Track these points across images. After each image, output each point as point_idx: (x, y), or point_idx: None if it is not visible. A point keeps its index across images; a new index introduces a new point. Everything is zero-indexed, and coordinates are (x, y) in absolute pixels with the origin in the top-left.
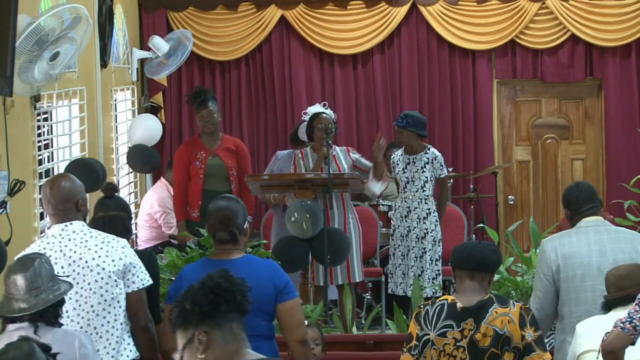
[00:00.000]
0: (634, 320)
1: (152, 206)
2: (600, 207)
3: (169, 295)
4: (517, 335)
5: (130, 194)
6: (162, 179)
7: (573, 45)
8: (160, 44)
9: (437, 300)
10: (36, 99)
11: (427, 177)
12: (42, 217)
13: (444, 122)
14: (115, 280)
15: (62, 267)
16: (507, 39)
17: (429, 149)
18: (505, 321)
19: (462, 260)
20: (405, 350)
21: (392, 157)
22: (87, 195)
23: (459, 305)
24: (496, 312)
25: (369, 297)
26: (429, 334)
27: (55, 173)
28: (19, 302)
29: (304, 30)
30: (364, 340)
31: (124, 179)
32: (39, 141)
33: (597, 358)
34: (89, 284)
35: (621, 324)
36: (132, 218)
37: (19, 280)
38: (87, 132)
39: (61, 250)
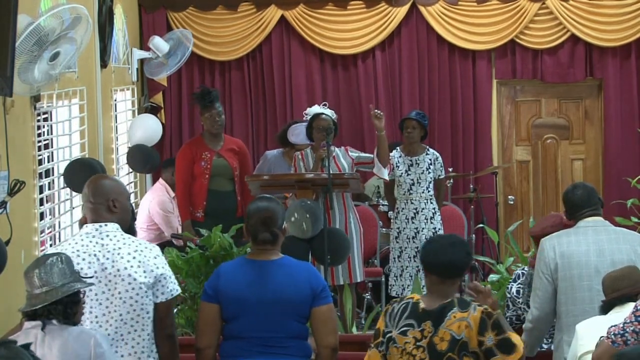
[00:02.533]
0: (626, 334)
1: (151, 209)
2: (601, 208)
3: (205, 292)
4: (473, 341)
5: (130, 194)
6: (160, 180)
7: (573, 45)
8: (160, 44)
9: (405, 298)
10: (36, 99)
11: (431, 178)
12: (42, 217)
13: (444, 122)
14: (146, 292)
15: (95, 272)
16: (507, 39)
17: (428, 149)
18: (463, 326)
19: (438, 267)
20: (372, 346)
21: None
22: None
23: (421, 305)
24: (454, 317)
25: (369, 297)
26: (391, 331)
27: (55, 173)
28: (31, 299)
29: (304, 30)
30: (364, 340)
31: (124, 179)
32: (39, 141)
33: None
34: (119, 292)
35: (613, 336)
36: (135, 219)
37: (30, 277)
38: (87, 132)
39: (95, 255)
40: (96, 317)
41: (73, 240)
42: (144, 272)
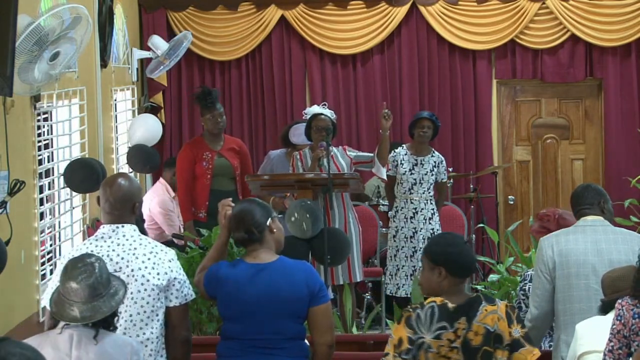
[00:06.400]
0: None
1: (152, 209)
2: (599, 208)
3: (204, 285)
4: (506, 333)
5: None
6: (161, 179)
7: (573, 45)
8: (159, 43)
9: (426, 303)
10: (36, 99)
11: (434, 180)
12: (42, 217)
13: (444, 122)
14: (158, 294)
15: None
16: (507, 39)
17: (434, 152)
18: (496, 319)
19: (464, 270)
20: (396, 354)
21: (392, 155)
22: (88, 195)
23: (450, 305)
24: (486, 310)
25: (369, 297)
26: (423, 337)
27: (55, 173)
28: (81, 307)
29: (304, 30)
30: (364, 340)
31: None
32: (39, 141)
33: None
34: (131, 292)
35: None
36: (144, 221)
37: (82, 286)
38: (87, 132)
39: (108, 255)
40: None
41: (88, 241)
42: (158, 274)
